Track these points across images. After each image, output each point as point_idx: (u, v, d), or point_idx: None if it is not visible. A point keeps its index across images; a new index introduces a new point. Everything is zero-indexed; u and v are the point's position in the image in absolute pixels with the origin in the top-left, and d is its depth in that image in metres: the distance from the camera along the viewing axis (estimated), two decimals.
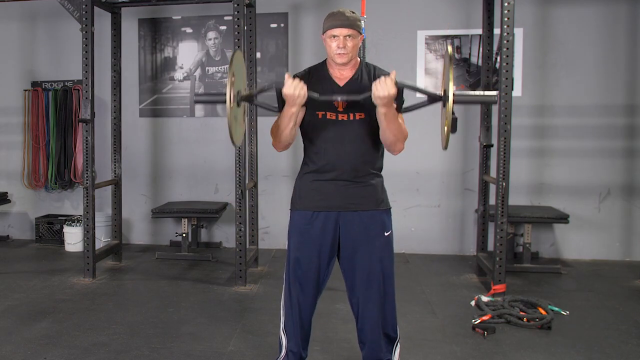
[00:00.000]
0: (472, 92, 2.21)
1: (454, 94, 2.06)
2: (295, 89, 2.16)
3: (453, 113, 2.08)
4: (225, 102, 2.14)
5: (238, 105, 2.20)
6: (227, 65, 5.38)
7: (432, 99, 2.17)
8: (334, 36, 2.27)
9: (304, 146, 2.40)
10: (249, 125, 4.56)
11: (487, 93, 2.15)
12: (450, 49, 2.16)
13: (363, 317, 2.38)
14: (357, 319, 2.42)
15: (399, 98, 2.28)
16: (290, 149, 2.43)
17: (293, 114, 2.21)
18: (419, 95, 2.33)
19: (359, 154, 2.30)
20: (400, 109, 2.32)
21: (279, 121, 2.27)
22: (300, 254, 2.37)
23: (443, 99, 2.12)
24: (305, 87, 2.17)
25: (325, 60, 2.39)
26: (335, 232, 2.35)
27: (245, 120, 2.40)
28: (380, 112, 2.18)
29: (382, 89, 2.13)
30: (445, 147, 2.19)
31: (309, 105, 2.30)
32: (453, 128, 2.07)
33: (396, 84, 2.14)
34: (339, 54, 2.26)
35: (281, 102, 2.27)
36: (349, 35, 2.26)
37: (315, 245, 2.35)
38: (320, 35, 2.40)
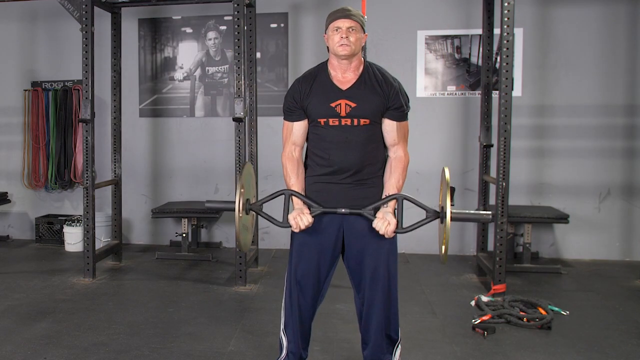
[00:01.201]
0: (467, 212, 2.31)
1: (451, 212, 2.12)
2: (301, 226, 2.26)
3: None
4: (234, 209, 2.24)
5: (247, 213, 2.30)
6: (227, 66, 5.41)
7: (431, 215, 2.25)
8: (337, 28, 2.26)
9: (307, 150, 2.40)
10: (249, 125, 4.56)
11: (482, 213, 2.22)
12: (447, 172, 2.19)
13: (367, 318, 2.38)
14: (361, 319, 2.42)
15: (403, 110, 2.32)
16: None
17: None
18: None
19: (363, 157, 2.30)
20: (405, 117, 2.35)
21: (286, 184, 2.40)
22: (302, 257, 2.37)
23: (440, 215, 2.19)
24: (309, 220, 2.25)
25: (326, 62, 2.37)
26: (338, 233, 2.35)
27: (253, 225, 2.53)
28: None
29: (383, 223, 2.21)
30: (445, 262, 2.24)
31: (310, 112, 2.31)
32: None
33: (396, 231, 2.24)
34: (342, 45, 2.24)
35: (287, 212, 2.33)
36: (352, 28, 2.25)
37: (317, 248, 2.35)
38: (320, 35, 2.41)
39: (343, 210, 2.26)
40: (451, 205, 2.10)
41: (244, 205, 2.25)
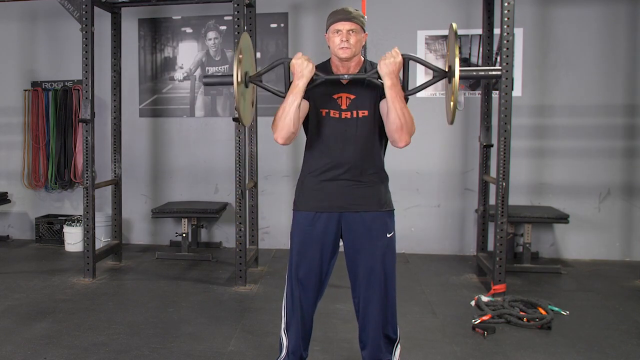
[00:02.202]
0: (476, 68, 2.31)
1: (460, 69, 2.09)
2: (303, 60, 2.21)
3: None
4: (232, 82, 2.16)
5: (246, 85, 2.21)
6: (227, 66, 5.40)
7: (438, 74, 2.21)
8: (337, 31, 2.28)
9: (307, 145, 2.40)
10: (249, 125, 4.56)
11: (491, 68, 2.21)
12: (455, 25, 2.16)
13: (364, 318, 2.39)
14: (358, 319, 2.42)
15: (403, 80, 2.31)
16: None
17: (299, 90, 2.21)
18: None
19: (362, 151, 2.31)
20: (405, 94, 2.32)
21: (284, 103, 2.25)
22: (302, 255, 2.37)
23: (448, 74, 2.14)
24: (311, 67, 2.21)
25: (329, 60, 2.40)
26: (337, 232, 2.36)
27: (254, 102, 2.42)
28: (387, 85, 2.19)
29: (389, 56, 2.18)
30: (452, 122, 2.20)
31: (313, 103, 2.31)
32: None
33: (403, 55, 2.20)
34: (342, 47, 2.27)
35: (288, 82, 2.29)
36: (352, 30, 2.28)
37: (317, 245, 2.35)
38: (321, 35, 2.42)
39: (346, 76, 2.25)
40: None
41: (243, 77, 2.18)
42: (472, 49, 5.11)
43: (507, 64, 3.77)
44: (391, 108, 2.19)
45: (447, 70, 2.21)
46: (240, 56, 2.16)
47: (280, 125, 2.25)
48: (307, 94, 2.31)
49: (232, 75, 2.18)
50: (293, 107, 2.22)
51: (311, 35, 5.25)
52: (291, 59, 2.25)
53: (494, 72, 2.20)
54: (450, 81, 2.13)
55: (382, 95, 2.27)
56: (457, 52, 2.08)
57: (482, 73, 2.35)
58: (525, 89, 5.06)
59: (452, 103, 2.12)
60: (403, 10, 5.18)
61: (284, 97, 2.27)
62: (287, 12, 5.32)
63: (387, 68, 2.19)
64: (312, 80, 2.26)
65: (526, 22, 5.00)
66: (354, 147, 2.29)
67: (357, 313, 2.43)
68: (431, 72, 2.30)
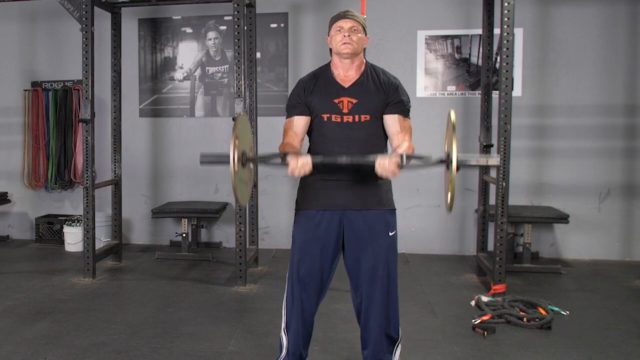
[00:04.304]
0: (475, 157, 2.25)
1: (457, 159, 2.04)
2: (300, 171, 2.17)
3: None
4: (228, 162, 2.10)
5: (243, 166, 2.17)
6: (227, 66, 5.41)
7: (436, 163, 2.16)
8: (340, 29, 2.31)
9: (310, 147, 2.41)
10: (249, 125, 4.56)
11: (490, 158, 2.17)
12: (453, 115, 2.09)
13: (367, 317, 2.38)
14: (360, 318, 2.42)
15: (403, 104, 2.32)
16: None
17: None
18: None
19: (365, 153, 2.30)
20: (407, 113, 2.36)
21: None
22: (304, 254, 2.37)
23: (447, 162, 2.10)
24: (309, 164, 2.16)
25: (329, 63, 2.41)
26: (339, 231, 2.36)
27: (251, 179, 2.40)
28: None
29: (385, 173, 2.15)
30: (450, 209, 2.14)
31: (314, 108, 2.32)
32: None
33: (400, 166, 2.14)
34: (344, 43, 2.29)
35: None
36: (354, 28, 2.31)
37: (319, 245, 2.35)
38: (321, 35, 2.43)
39: (344, 158, 2.21)
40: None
41: (240, 158, 2.14)
42: (472, 49, 5.11)
43: (507, 64, 3.77)
44: None
45: (445, 158, 2.13)
46: (237, 141, 2.11)
47: None
48: (308, 102, 2.34)
49: (229, 157, 2.11)
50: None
51: (311, 35, 5.25)
52: (288, 163, 2.18)
53: (492, 163, 2.18)
54: (448, 168, 2.08)
55: (387, 106, 2.31)
56: (454, 142, 2.03)
57: (482, 163, 2.32)
58: (525, 89, 5.07)
59: (449, 193, 2.09)
60: (403, 10, 5.19)
61: (284, 163, 2.22)
62: (287, 12, 5.32)
63: (385, 175, 2.17)
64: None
65: (526, 22, 5.01)
66: (356, 150, 2.29)
67: (357, 313, 2.43)
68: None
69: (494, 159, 2.19)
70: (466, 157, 2.14)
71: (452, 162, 2.03)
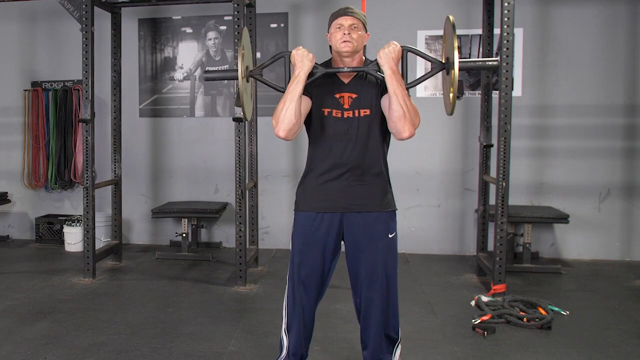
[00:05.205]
0: (474, 60, 2.37)
1: (458, 61, 2.10)
2: (303, 51, 2.23)
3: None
4: (235, 78, 2.19)
5: (247, 80, 2.23)
6: (227, 66, 5.40)
7: (437, 66, 2.22)
8: (339, 26, 2.30)
9: (309, 145, 2.40)
10: (249, 125, 4.56)
11: (489, 59, 2.23)
12: (452, 17, 2.16)
13: (366, 318, 2.38)
14: (360, 319, 2.42)
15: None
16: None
17: (301, 79, 2.21)
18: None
19: (365, 151, 2.30)
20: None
21: (285, 94, 2.23)
22: (304, 255, 2.36)
23: (447, 65, 2.14)
24: (311, 60, 2.23)
25: (330, 60, 2.41)
26: (339, 232, 2.35)
27: (253, 96, 2.48)
28: (387, 74, 2.18)
29: (387, 47, 2.18)
30: (451, 113, 2.19)
31: (315, 102, 2.31)
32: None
33: (402, 47, 2.20)
34: (344, 41, 2.28)
35: (289, 76, 2.30)
36: (354, 26, 2.30)
37: (319, 246, 2.35)
38: (321, 35, 2.44)
39: (346, 68, 2.27)
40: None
41: (244, 72, 2.20)
42: (472, 49, 5.11)
43: (507, 64, 3.77)
44: (392, 97, 2.17)
45: (445, 61, 2.23)
46: (243, 51, 2.18)
47: (282, 117, 2.19)
48: (309, 92, 2.31)
49: (236, 69, 2.21)
50: (295, 97, 2.19)
51: (311, 35, 5.25)
52: (291, 51, 2.29)
53: (491, 63, 2.22)
54: (448, 72, 2.13)
55: (383, 92, 2.27)
56: (455, 43, 2.08)
57: (480, 64, 2.39)
58: (525, 89, 5.06)
59: (451, 94, 2.12)
60: (403, 10, 5.18)
61: (284, 92, 2.26)
62: (287, 12, 5.32)
63: (387, 56, 2.19)
64: (312, 74, 2.27)
65: (526, 22, 5.01)
66: (356, 146, 2.29)
67: (358, 313, 2.43)
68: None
69: (492, 60, 2.25)
70: (466, 60, 2.24)
71: (453, 64, 2.07)
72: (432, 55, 5.15)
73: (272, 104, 5.24)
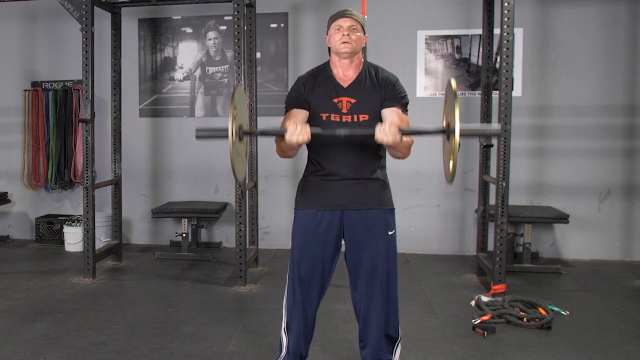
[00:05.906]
0: (476, 126, 2.19)
1: (460, 129, 1.98)
2: (298, 137, 2.10)
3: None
4: (227, 137, 2.07)
5: (240, 139, 2.15)
6: (227, 66, 5.41)
7: (437, 132, 2.13)
8: (339, 28, 2.30)
9: (308, 147, 2.40)
10: (249, 125, 4.55)
11: (491, 126, 2.16)
12: (454, 83, 2.04)
13: (366, 317, 2.38)
14: (359, 318, 2.42)
15: (400, 98, 2.31)
16: None
17: (294, 148, 2.21)
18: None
19: (364, 154, 2.31)
20: (404, 108, 2.34)
21: (283, 145, 2.21)
22: (304, 253, 2.37)
23: (447, 132, 2.05)
24: (307, 132, 2.11)
25: (328, 62, 2.41)
26: (339, 230, 2.36)
27: (247, 154, 2.39)
28: (389, 145, 2.15)
29: (385, 137, 2.08)
30: (451, 181, 2.10)
31: (313, 106, 2.32)
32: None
33: (400, 131, 2.09)
34: (343, 42, 2.28)
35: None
36: (353, 27, 2.30)
37: (319, 244, 2.35)
38: (321, 35, 2.43)
39: (342, 131, 2.17)
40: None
41: (237, 132, 2.11)
42: (472, 49, 5.11)
43: (507, 64, 3.77)
44: (393, 154, 2.28)
45: (445, 127, 2.09)
46: (235, 112, 2.08)
47: (283, 156, 2.35)
48: (307, 102, 2.32)
49: (227, 130, 2.08)
50: (292, 152, 2.27)
51: (311, 35, 5.25)
52: (285, 130, 2.14)
53: (493, 130, 2.17)
54: (448, 139, 2.03)
55: (383, 101, 2.30)
56: (456, 110, 1.96)
57: (482, 131, 2.29)
58: (525, 89, 5.07)
59: (451, 162, 2.03)
60: (403, 10, 5.19)
61: (281, 133, 2.17)
62: (287, 12, 5.32)
63: (387, 140, 2.09)
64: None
65: (526, 22, 5.01)
66: (355, 150, 2.30)
67: (356, 312, 2.43)
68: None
69: (495, 126, 2.18)
70: (467, 126, 2.02)
71: (454, 131, 1.96)
72: (432, 56, 5.15)
73: (272, 103, 5.24)
